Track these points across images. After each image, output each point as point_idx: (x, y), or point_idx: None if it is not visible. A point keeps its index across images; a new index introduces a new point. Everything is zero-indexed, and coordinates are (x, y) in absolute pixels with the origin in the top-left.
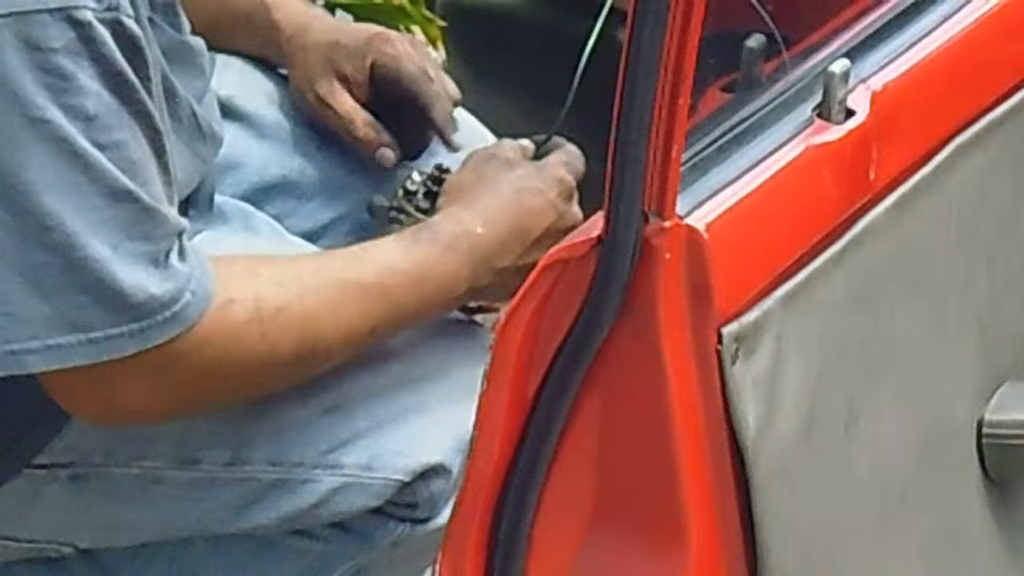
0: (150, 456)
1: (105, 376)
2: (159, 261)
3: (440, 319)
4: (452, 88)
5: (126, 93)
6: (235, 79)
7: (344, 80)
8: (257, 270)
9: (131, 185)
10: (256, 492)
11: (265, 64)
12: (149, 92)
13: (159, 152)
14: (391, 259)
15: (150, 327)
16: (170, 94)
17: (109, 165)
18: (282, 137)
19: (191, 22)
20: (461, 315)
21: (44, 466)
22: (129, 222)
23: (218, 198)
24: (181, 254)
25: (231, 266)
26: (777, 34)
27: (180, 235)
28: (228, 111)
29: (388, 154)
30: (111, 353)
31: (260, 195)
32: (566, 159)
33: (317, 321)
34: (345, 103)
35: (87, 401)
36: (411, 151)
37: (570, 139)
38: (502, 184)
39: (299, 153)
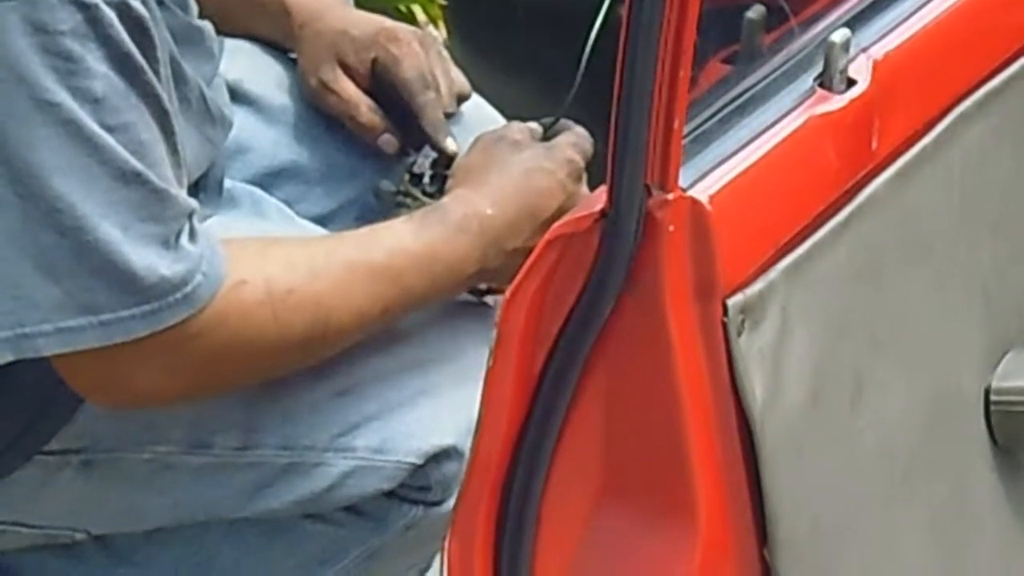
0: (162, 441)
1: (117, 358)
2: (169, 243)
3: (450, 301)
4: (461, 81)
5: (134, 75)
6: (244, 63)
7: (346, 69)
8: (268, 252)
9: (140, 167)
10: (268, 476)
11: (275, 48)
12: (157, 74)
13: (168, 133)
14: (401, 241)
15: (161, 308)
16: (179, 77)
17: (118, 147)
18: (291, 122)
19: (200, 5)
20: (471, 297)
21: (56, 452)
22: (139, 204)
23: (228, 182)
24: (192, 235)
25: (242, 248)
26: (783, 3)
27: (191, 216)
28: (237, 95)
29: (391, 140)
30: (123, 335)
31: (269, 180)
32: (575, 140)
33: (328, 302)
34: (349, 88)
35: (99, 384)
36: (412, 144)
37: (577, 120)
38: (511, 166)
39: (308, 138)
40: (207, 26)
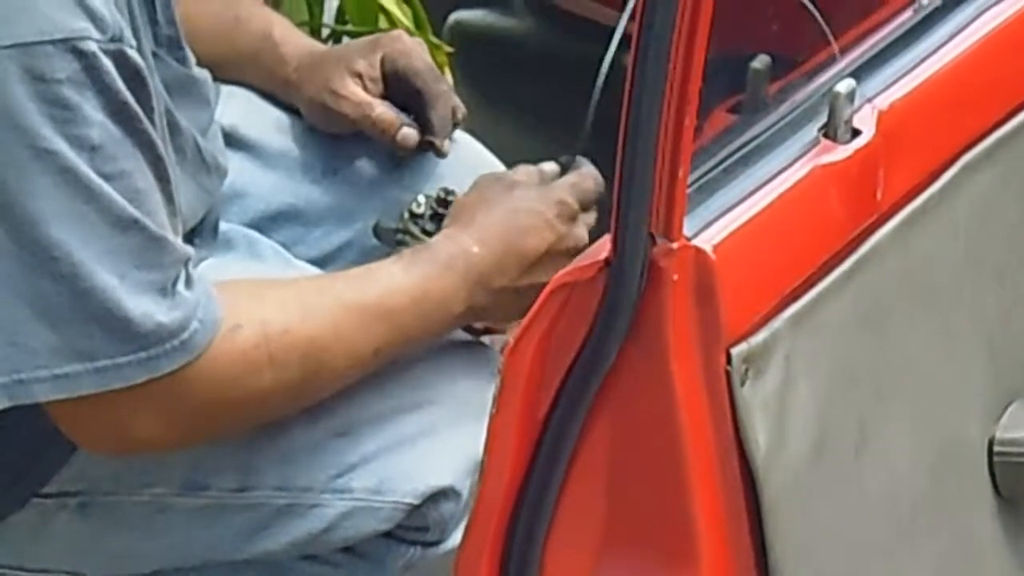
0: (159, 483)
1: (113, 405)
2: (166, 289)
3: (446, 341)
4: (458, 100)
5: (130, 123)
6: (239, 108)
7: (357, 76)
8: (261, 293)
9: (137, 214)
10: (265, 518)
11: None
12: (152, 122)
13: (163, 180)
14: (392, 279)
15: (158, 355)
16: (174, 128)
17: (115, 195)
18: (287, 165)
19: (197, 57)
20: (468, 336)
21: (53, 495)
22: (136, 251)
23: (224, 225)
24: (188, 282)
25: (236, 291)
26: (787, 53)
27: (187, 263)
28: (232, 140)
29: (411, 133)
30: (119, 382)
31: (266, 223)
32: (574, 180)
33: (322, 342)
34: (360, 92)
35: (95, 431)
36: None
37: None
38: (500, 205)
39: (305, 180)
40: (204, 74)
